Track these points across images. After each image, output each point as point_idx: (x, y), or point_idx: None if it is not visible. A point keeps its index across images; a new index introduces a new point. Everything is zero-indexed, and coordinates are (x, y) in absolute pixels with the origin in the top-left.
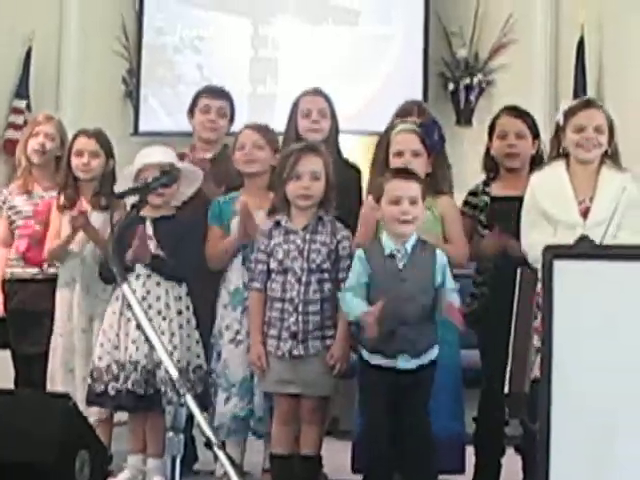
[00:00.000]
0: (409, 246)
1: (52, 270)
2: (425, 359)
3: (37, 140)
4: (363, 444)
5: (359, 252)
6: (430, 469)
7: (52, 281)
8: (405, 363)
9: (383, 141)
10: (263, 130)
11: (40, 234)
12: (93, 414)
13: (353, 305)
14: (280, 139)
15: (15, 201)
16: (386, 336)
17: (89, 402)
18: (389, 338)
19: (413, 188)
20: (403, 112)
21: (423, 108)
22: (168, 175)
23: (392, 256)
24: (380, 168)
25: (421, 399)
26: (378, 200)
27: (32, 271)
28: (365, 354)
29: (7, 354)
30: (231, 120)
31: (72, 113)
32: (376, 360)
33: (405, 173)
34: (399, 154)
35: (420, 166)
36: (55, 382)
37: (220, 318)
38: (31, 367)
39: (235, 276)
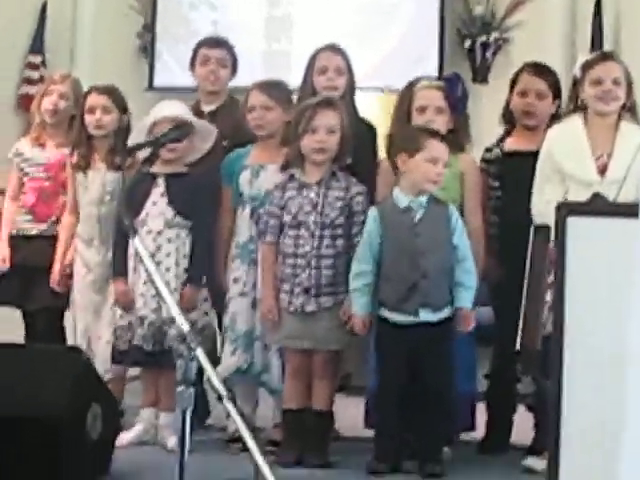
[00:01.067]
0: (424, 200)
1: (58, 227)
2: (446, 312)
3: (50, 99)
4: (376, 403)
5: (373, 212)
6: (444, 433)
7: (56, 238)
8: (427, 316)
9: (405, 95)
10: (271, 89)
11: (49, 189)
12: (106, 369)
13: (356, 300)
14: (294, 95)
15: (27, 153)
16: (407, 291)
17: (114, 360)
18: (410, 293)
19: (447, 152)
20: None
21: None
22: (180, 129)
23: (407, 210)
24: (402, 122)
25: (443, 355)
26: (409, 151)
27: (40, 227)
28: (385, 312)
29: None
30: (233, 70)
31: (87, 68)
32: (397, 317)
33: (443, 137)
34: (422, 110)
35: (443, 123)
36: (74, 338)
37: (229, 271)
38: (43, 322)
39: (243, 229)
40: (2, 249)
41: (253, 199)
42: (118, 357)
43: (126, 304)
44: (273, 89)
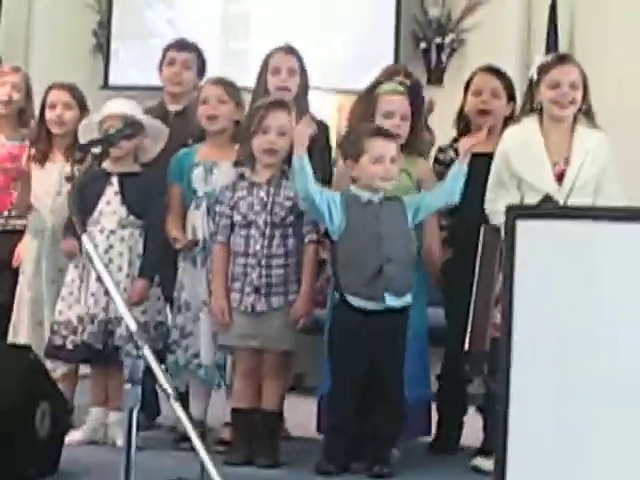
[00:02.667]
0: (381, 194)
1: (12, 222)
2: (408, 299)
3: (4, 90)
4: (331, 400)
5: (335, 195)
6: (393, 434)
7: (12, 233)
8: (392, 301)
9: (370, 99)
10: (226, 84)
11: (1, 182)
12: (58, 368)
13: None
14: (247, 95)
15: None
16: (372, 276)
17: (47, 354)
18: (375, 278)
19: (394, 148)
20: (390, 73)
21: (409, 72)
22: (130, 126)
23: (369, 202)
24: (363, 125)
25: (399, 347)
26: (349, 155)
27: None
28: (350, 298)
29: None
30: (200, 74)
31: (41, 66)
32: (362, 303)
33: (386, 132)
34: (388, 115)
35: (405, 129)
36: (19, 334)
37: (182, 271)
38: None
39: (198, 228)
40: None
41: (209, 196)
42: (52, 352)
43: (73, 256)
44: (227, 85)
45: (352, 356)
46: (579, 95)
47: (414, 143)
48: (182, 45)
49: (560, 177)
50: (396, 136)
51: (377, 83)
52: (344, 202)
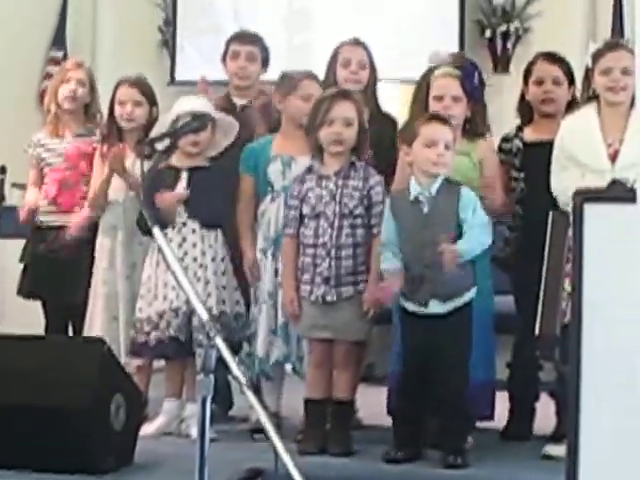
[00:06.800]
0: (434, 189)
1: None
2: (459, 302)
3: (69, 86)
4: (397, 390)
5: (388, 201)
6: (467, 423)
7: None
8: (436, 307)
9: (422, 85)
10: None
11: (70, 179)
12: (132, 361)
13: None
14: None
15: (45, 147)
16: (415, 283)
17: (132, 353)
18: (418, 284)
19: (447, 133)
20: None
21: (461, 54)
22: (198, 120)
23: (417, 201)
24: (419, 112)
25: (458, 345)
26: (410, 143)
27: (64, 219)
28: (402, 301)
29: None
30: (265, 65)
31: (108, 63)
32: (411, 307)
33: (440, 117)
34: (439, 98)
35: (459, 111)
36: (93, 329)
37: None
38: (63, 316)
39: (272, 221)
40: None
41: (286, 190)
42: (136, 349)
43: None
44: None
45: (412, 354)
46: (632, 81)
47: (474, 125)
48: (245, 37)
49: (614, 157)
50: (450, 119)
51: (430, 69)
52: (392, 205)
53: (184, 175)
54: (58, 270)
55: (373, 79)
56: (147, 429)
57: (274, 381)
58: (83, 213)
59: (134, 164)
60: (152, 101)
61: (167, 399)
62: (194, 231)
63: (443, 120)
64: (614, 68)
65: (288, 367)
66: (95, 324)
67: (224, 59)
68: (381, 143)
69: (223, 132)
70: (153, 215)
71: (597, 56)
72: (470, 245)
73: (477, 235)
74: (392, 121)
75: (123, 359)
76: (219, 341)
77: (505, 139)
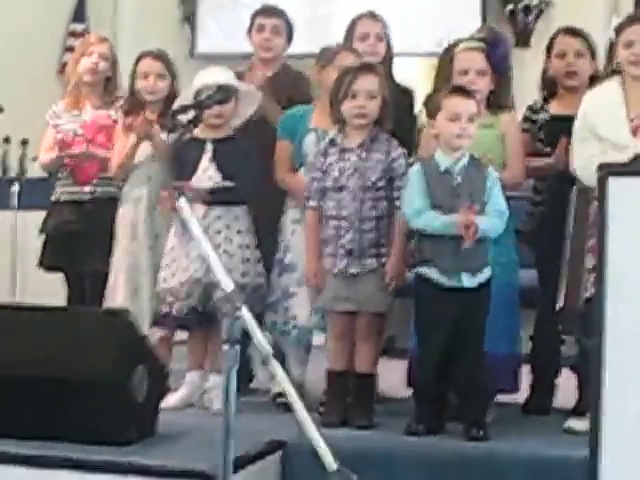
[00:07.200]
0: (463, 163)
1: (100, 189)
2: (483, 277)
3: (91, 59)
4: (417, 365)
5: (416, 167)
6: (488, 397)
7: (100, 200)
8: (468, 281)
9: (446, 58)
10: None
11: (89, 151)
12: (154, 332)
13: (433, 221)
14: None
15: (64, 118)
16: (448, 253)
17: (155, 323)
18: (451, 254)
19: (471, 106)
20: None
21: (490, 27)
22: (222, 92)
23: (447, 172)
24: (443, 85)
25: (479, 320)
26: (433, 116)
27: (82, 190)
28: (431, 273)
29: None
30: (289, 39)
31: (130, 36)
32: (443, 280)
33: (463, 90)
34: (464, 72)
35: (484, 85)
36: (116, 300)
37: (290, 232)
38: (85, 286)
39: None
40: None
41: None
42: (160, 320)
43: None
44: None
45: (433, 329)
46: None
47: (497, 97)
48: (271, 11)
49: (636, 132)
50: (473, 92)
51: (454, 43)
52: (422, 173)
53: (209, 147)
54: (78, 241)
55: (389, 53)
56: (169, 401)
57: (298, 352)
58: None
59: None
60: (174, 74)
61: (190, 371)
62: (219, 204)
63: (466, 93)
64: (637, 41)
65: (322, 337)
66: (118, 296)
67: (250, 32)
68: (398, 116)
69: (247, 102)
70: (178, 187)
71: (620, 29)
72: (487, 226)
73: (495, 221)
74: (408, 94)
75: (146, 330)
76: (245, 312)
77: (532, 109)
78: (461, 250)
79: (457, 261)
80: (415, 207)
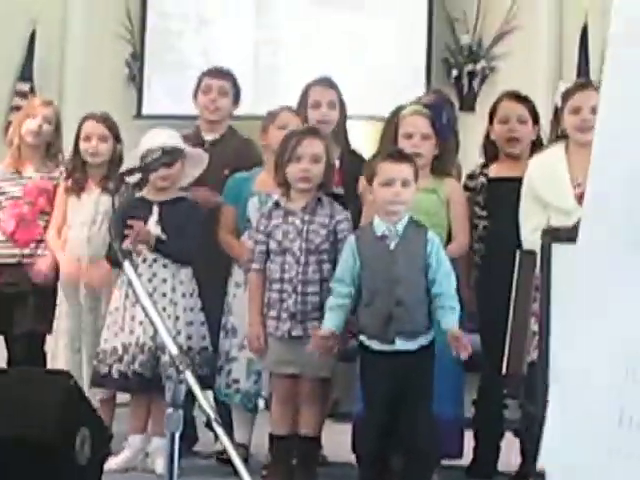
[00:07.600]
0: (400, 227)
1: (41, 251)
2: (424, 340)
3: (35, 122)
4: (360, 429)
5: (350, 237)
6: (431, 461)
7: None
8: (404, 344)
9: (391, 122)
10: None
11: (29, 215)
12: (96, 394)
13: (326, 315)
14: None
15: (4, 180)
16: (383, 319)
17: (93, 383)
18: (386, 321)
19: (405, 170)
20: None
21: (438, 90)
22: (168, 155)
23: (383, 237)
24: (387, 149)
25: (423, 385)
26: (370, 181)
27: (20, 253)
28: (365, 340)
29: None
30: (236, 101)
31: (76, 96)
32: (376, 345)
33: (397, 155)
34: (408, 136)
35: (428, 149)
36: (58, 362)
37: (231, 296)
38: (25, 347)
39: None
40: None
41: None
42: (99, 380)
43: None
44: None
45: (375, 394)
46: None
47: (441, 162)
48: (218, 72)
49: (581, 198)
50: (414, 156)
51: (400, 107)
52: (357, 241)
53: (155, 209)
54: (17, 303)
55: (343, 117)
56: (112, 463)
57: (244, 415)
58: (47, 260)
59: (99, 199)
60: (117, 137)
61: (132, 434)
62: (165, 266)
63: (401, 157)
64: (583, 107)
65: (261, 402)
66: (58, 357)
67: (196, 93)
68: (351, 181)
69: (193, 163)
70: (123, 250)
71: (567, 95)
72: (454, 315)
73: (449, 294)
74: (361, 159)
75: (87, 392)
76: (189, 375)
77: (470, 176)
78: (397, 316)
79: (391, 327)
80: (334, 280)
